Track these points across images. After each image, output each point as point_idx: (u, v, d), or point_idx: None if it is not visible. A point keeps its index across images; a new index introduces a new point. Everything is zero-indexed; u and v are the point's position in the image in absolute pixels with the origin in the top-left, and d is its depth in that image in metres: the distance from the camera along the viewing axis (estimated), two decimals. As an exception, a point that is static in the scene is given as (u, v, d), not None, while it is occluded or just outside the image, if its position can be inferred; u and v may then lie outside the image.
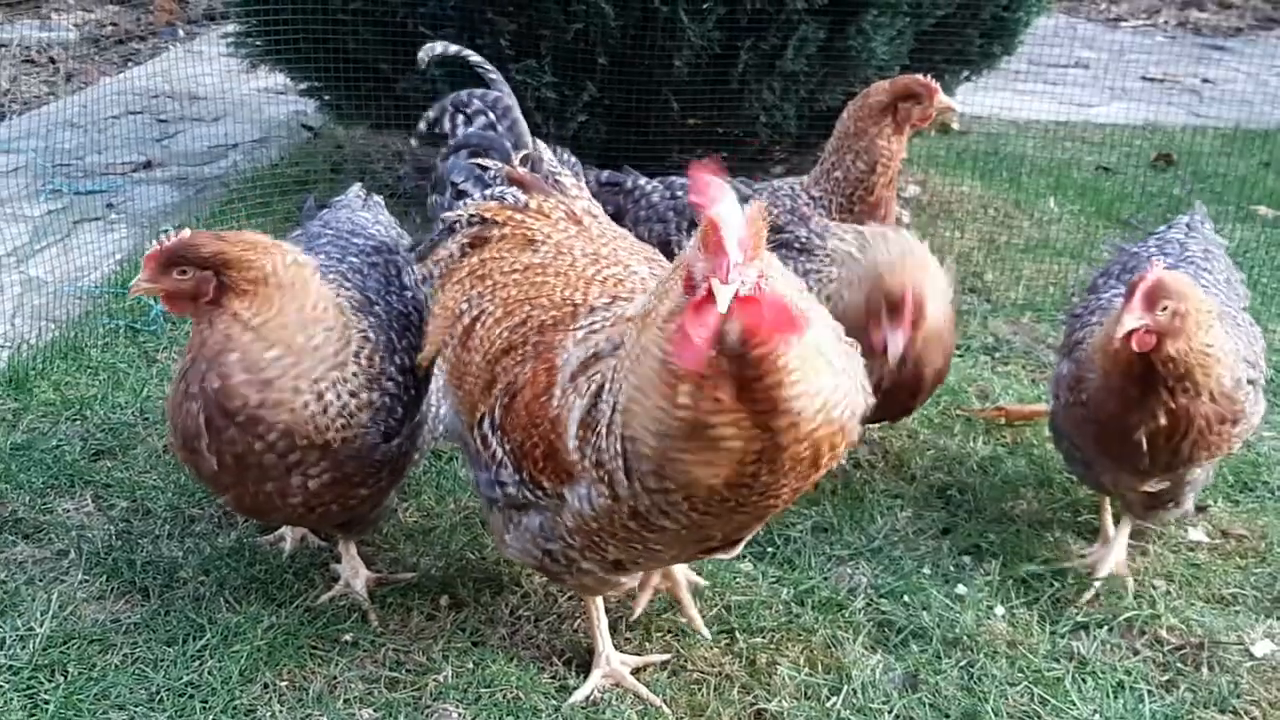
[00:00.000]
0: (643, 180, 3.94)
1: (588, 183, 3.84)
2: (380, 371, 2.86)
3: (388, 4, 4.86)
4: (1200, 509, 3.63)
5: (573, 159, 3.68)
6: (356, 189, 3.67)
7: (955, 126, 6.15)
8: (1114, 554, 3.38)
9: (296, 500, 2.83)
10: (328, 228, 3.33)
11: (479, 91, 3.15)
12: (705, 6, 4.84)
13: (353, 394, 2.78)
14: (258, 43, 5.72)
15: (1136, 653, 3.10)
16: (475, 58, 3.20)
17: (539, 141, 3.09)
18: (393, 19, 4.84)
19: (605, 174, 3.95)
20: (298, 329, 2.71)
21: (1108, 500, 3.48)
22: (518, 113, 3.10)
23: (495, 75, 3.18)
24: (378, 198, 3.65)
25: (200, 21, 9.82)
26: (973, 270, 5.67)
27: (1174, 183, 7.08)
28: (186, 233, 2.72)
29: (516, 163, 3.00)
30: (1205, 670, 3.03)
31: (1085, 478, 3.45)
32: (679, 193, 3.86)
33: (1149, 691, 2.94)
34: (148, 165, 6.63)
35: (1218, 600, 3.32)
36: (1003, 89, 8.24)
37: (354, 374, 2.80)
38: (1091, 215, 6.49)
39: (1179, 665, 3.05)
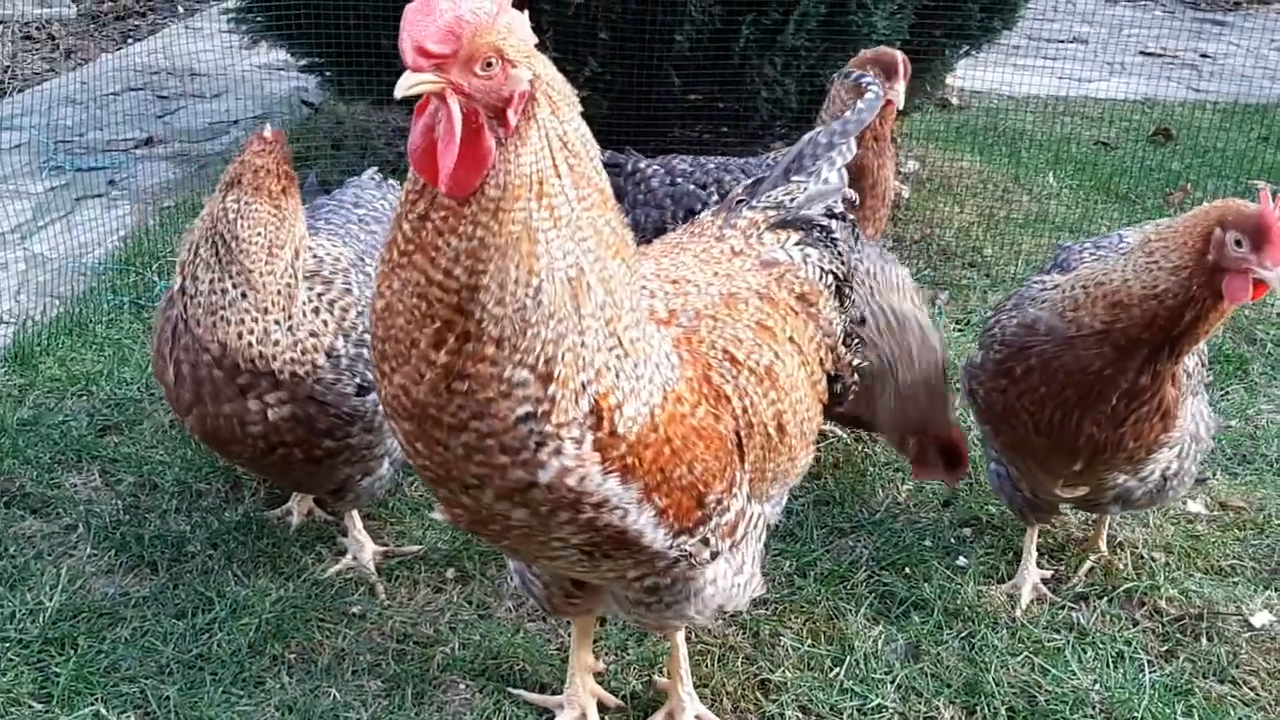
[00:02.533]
0: (643, 163, 3.90)
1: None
2: (353, 325, 2.94)
3: (388, -21, 4.85)
4: (1199, 481, 3.65)
5: None
6: (371, 171, 3.74)
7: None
8: (1028, 578, 3.25)
9: (256, 430, 2.86)
10: (332, 199, 3.47)
11: None
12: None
13: (312, 334, 2.86)
14: (258, 18, 5.70)
15: (1136, 623, 3.14)
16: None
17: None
18: (388, -3, 4.84)
19: (606, 154, 3.91)
20: (256, 255, 2.84)
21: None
22: None
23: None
24: (393, 182, 3.67)
25: (199, -2, 9.78)
26: (972, 245, 5.69)
27: (1172, 157, 7.08)
28: None
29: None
30: (1204, 640, 3.06)
31: (1002, 490, 3.28)
32: (678, 179, 3.82)
33: (1148, 661, 2.98)
34: (149, 142, 6.62)
35: (1216, 571, 3.35)
36: (1002, 64, 8.20)
37: (319, 317, 2.90)
38: (1090, 190, 6.51)
39: (1178, 636, 3.09)
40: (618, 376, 2.00)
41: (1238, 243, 2.52)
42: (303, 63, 6.05)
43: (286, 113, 7.15)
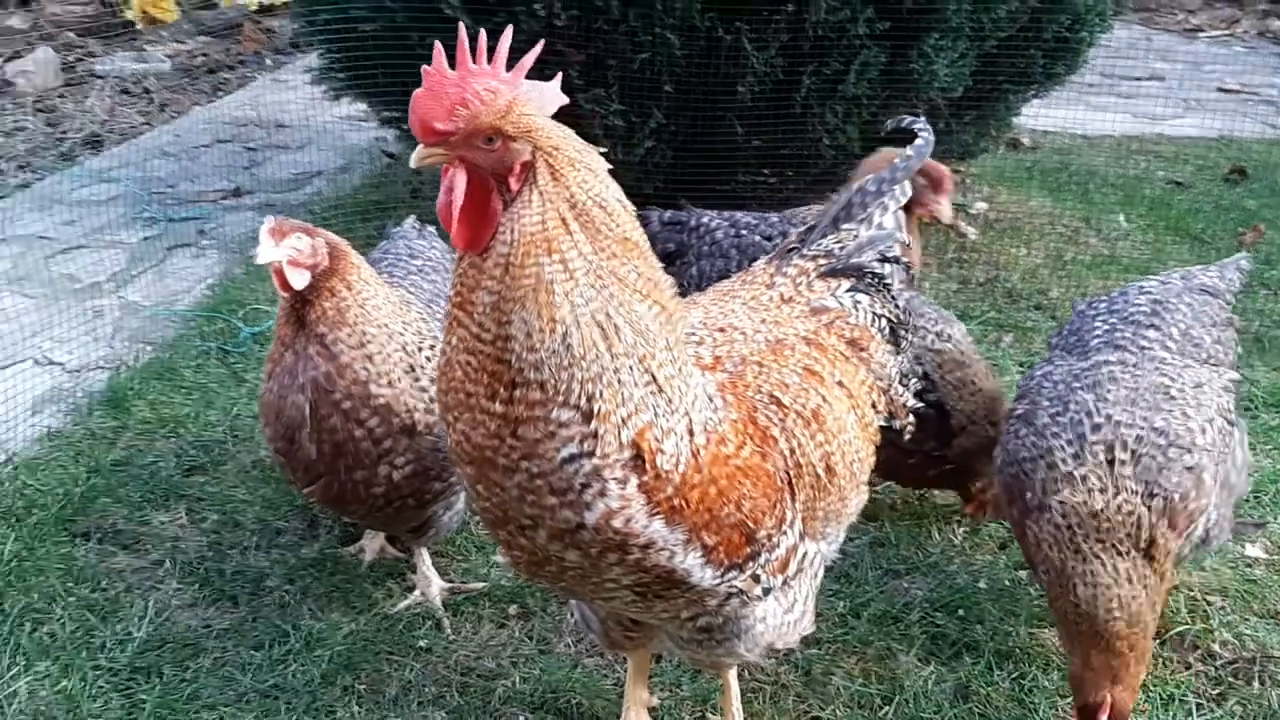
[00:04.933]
0: (706, 218, 3.96)
1: (649, 223, 3.98)
2: None
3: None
4: (1259, 525, 3.65)
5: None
6: (412, 220, 3.97)
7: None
8: None
9: (379, 491, 3.03)
10: (388, 254, 3.68)
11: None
12: (768, 34, 4.96)
13: (432, 381, 2.99)
14: (339, 75, 5.96)
15: (1189, 667, 3.15)
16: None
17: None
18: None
19: (668, 214, 4.01)
20: (387, 312, 3.03)
21: None
22: None
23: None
24: (431, 228, 3.86)
25: (286, 51, 10.17)
26: (1038, 287, 5.71)
27: (1246, 196, 7.02)
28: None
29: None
30: (1256, 684, 3.07)
31: None
32: (743, 231, 3.90)
33: (1198, 705, 2.99)
34: (237, 192, 6.92)
35: (1272, 616, 3.35)
36: (1075, 103, 8.22)
37: (429, 362, 3.04)
38: (1161, 230, 6.47)
39: (1230, 679, 3.10)
40: (655, 413, 2.11)
41: None
42: (382, 115, 6.30)
43: (367, 162, 7.42)
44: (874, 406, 2.67)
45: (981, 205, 6.90)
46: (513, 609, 3.36)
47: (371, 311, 3.01)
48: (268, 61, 10.01)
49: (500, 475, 2.13)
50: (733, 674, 2.82)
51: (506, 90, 2.07)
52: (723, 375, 2.39)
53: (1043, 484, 2.83)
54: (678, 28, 4.92)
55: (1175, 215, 6.68)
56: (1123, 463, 2.79)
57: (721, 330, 2.50)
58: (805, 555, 2.51)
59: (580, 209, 2.06)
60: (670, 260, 3.82)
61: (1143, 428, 2.82)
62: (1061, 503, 2.77)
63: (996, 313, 5.42)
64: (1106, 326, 3.21)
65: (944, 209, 4.10)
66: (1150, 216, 6.69)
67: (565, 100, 2.16)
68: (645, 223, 3.88)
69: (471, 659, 3.17)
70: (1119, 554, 2.71)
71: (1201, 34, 12.23)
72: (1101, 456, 2.79)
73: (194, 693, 3.00)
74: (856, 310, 2.69)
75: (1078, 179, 7.36)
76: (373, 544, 3.60)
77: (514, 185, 2.06)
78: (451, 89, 2.07)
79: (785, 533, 2.41)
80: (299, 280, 2.93)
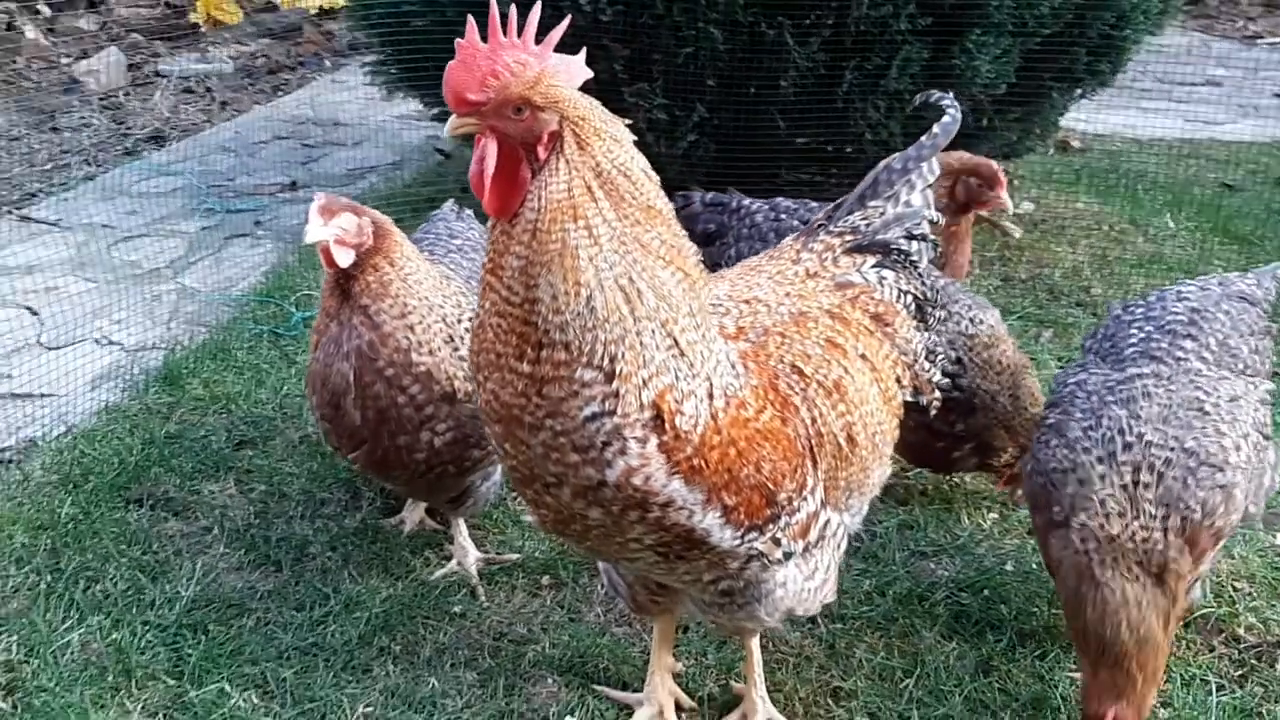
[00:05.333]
0: (747, 201, 4.06)
1: (692, 203, 4.08)
2: None
3: (511, 33, 5.17)
4: (1289, 516, 3.66)
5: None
6: (450, 204, 4.10)
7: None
8: None
9: (420, 457, 3.14)
10: (428, 234, 3.83)
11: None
12: (810, 29, 5.03)
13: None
14: (393, 71, 6.12)
15: (1212, 649, 3.17)
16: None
17: None
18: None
19: (710, 195, 4.10)
20: (428, 286, 3.16)
21: None
22: None
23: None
24: (468, 211, 3.99)
25: (345, 53, 10.40)
26: (1081, 284, 5.72)
27: (1298, 200, 6.97)
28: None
29: None
30: (1279, 667, 3.08)
31: None
32: (783, 215, 3.98)
33: (1219, 685, 3.01)
34: (293, 186, 7.11)
35: (1300, 602, 3.36)
36: (1128, 107, 8.20)
37: (467, 333, 3.12)
38: (1208, 232, 6.44)
39: (1253, 662, 3.11)
40: (676, 376, 2.19)
41: None
42: (434, 112, 6.44)
43: (419, 159, 7.58)
44: (898, 381, 2.72)
45: (1028, 205, 6.91)
46: (545, 579, 3.45)
47: (413, 285, 3.12)
48: (327, 63, 10.23)
49: (526, 433, 2.22)
50: (755, 642, 2.88)
51: (535, 63, 2.17)
52: (745, 345, 2.46)
53: (1071, 500, 2.81)
54: (721, 22, 5.01)
55: (1224, 217, 6.65)
56: (1146, 485, 2.77)
57: (746, 302, 2.57)
58: (827, 524, 2.57)
59: (605, 177, 2.15)
60: (710, 241, 3.91)
61: (1173, 449, 2.79)
62: (1082, 525, 2.77)
63: (1037, 309, 5.44)
64: (1142, 335, 3.16)
65: (1004, 199, 4.20)
66: (1198, 219, 6.66)
67: (590, 74, 2.25)
68: (688, 203, 4.02)
69: (504, 625, 3.26)
70: (1131, 578, 2.71)
71: (1261, 40, 12.09)
72: (1128, 479, 2.78)
73: (237, 649, 3.12)
74: (881, 286, 2.75)
75: (1127, 181, 7.33)
76: (413, 515, 3.71)
77: (542, 154, 2.15)
78: (483, 61, 2.17)
79: (806, 498, 2.47)
80: (345, 259, 3.05)
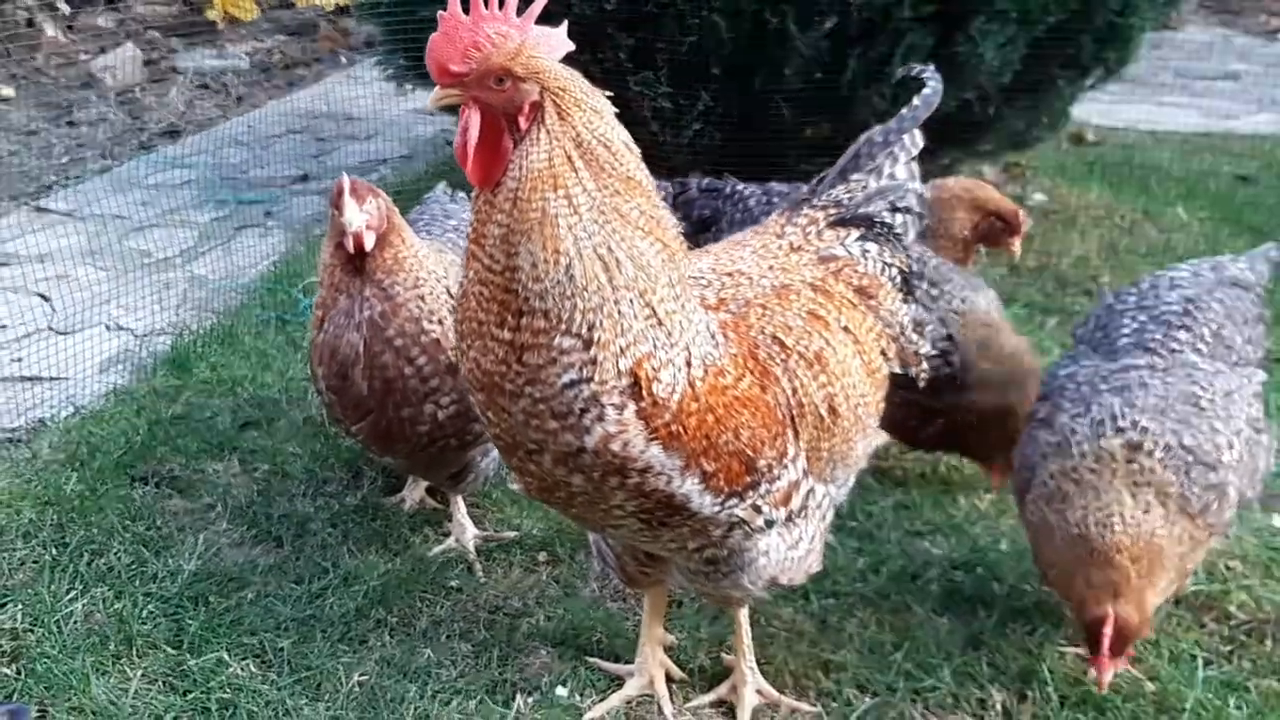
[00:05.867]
0: (741, 186, 4.10)
1: (688, 189, 4.11)
2: None
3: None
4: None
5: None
6: (443, 186, 4.18)
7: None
8: None
9: (424, 430, 3.20)
10: (424, 215, 3.91)
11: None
12: (815, 19, 5.05)
13: None
14: (401, 60, 6.17)
15: (1203, 626, 3.18)
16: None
17: None
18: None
19: (705, 181, 4.14)
20: (433, 260, 3.26)
21: None
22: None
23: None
24: (462, 194, 4.04)
25: (360, 49, 10.46)
26: (1089, 274, 5.72)
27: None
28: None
29: None
30: (1269, 643, 3.09)
31: None
32: (775, 198, 4.01)
33: (1207, 661, 3.02)
34: (304, 178, 7.17)
35: (1294, 582, 3.36)
36: (1144, 101, 8.19)
37: None
38: (1219, 223, 6.43)
39: (1243, 639, 3.12)
40: (654, 345, 2.23)
41: None
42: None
43: (431, 152, 7.63)
44: (883, 354, 2.74)
45: (1040, 197, 6.91)
46: (542, 555, 3.49)
47: (421, 259, 3.22)
48: (342, 59, 10.30)
49: (507, 400, 2.26)
50: (744, 614, 2.91)
51: (516, 34, 2.21)
52: (726, 315, 2.48)
53: (1051, 472, 2.84)
54: (724, 11, 5.03)
55: (1236, 209, 6.65)
56: (1149, 453, 2.77)
57: (729, 275, 2.60)
58: (811, 493, 2.60)
59: (585, 147, 2.19)
60: (706, 226, 3.94)
61: (1171, 441, 2.79)
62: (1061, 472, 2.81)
63: (1044, 297, 5.46)
64: (1135, 325, 3.14)
65: (1016, 248, 4.38)
66: (1211, 210, 6.66)
67: (572, 46, 2.28)
68: (684, 189, 4.05)
69: (500, 599, 3.30)
70: (1121, 489, 2.73)
71: (1282, 35, 12.03)
72: (1119, 453, 2.77)
73: (236, 619, 3.17)
74: (865, 259, 2.77)
75: (1140, 173, 7.32)
76: (413, 494, 3.75)
77: (524, 124, 2.19)
78: (465, 33, 2.21)
79: (787, 467, 2.50)
80: (371, 241, 3.15)
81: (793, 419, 2.50)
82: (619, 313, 2.20)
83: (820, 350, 2.56)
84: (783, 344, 2.50)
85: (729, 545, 2.54)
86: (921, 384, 2.88)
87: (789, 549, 2.63)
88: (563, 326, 2.18)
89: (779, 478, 2.49)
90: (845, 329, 2.64)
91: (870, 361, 2.69)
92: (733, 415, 2.35)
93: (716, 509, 2.41)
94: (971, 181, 4.61)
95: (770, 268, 2.65)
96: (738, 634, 2.93)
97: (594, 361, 2.19)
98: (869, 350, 2.69)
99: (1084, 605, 2.71)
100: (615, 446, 2.24)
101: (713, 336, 2.37)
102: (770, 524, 2.53)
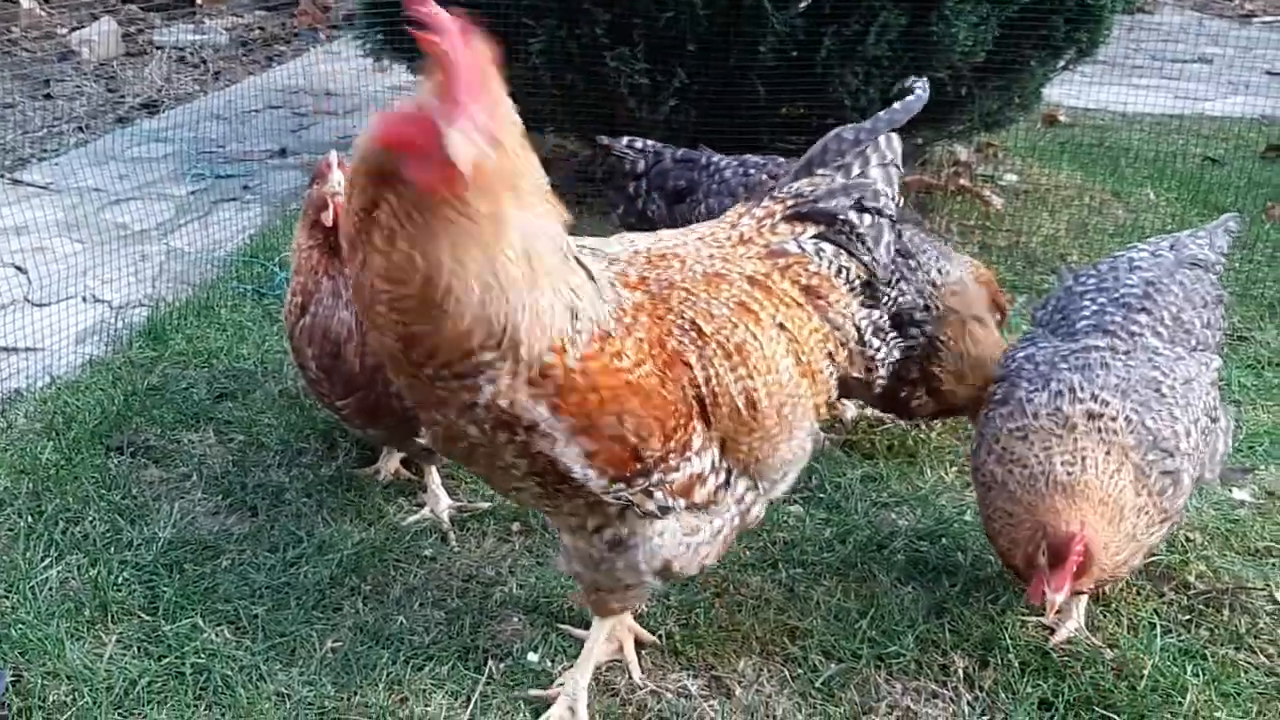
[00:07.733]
0: (716, 157, 4.13)
1: (663, 159, 4.14)
2: None
3: (492, -3, 5.21)
4: (1246, 471, 3.71)
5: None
6: None
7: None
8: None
9: (410, 404, 3.20)
10: None
11: None
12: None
13: None
14: (378, 34, 6.17)
15: (1162, 595, 3.25)
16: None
17: None
18: (496, 11, 5.19)
19: (680, 151, 4.17)
20: None
21: None
22: None
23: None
24: None
25: (340, 25, 10.44)
26: (1059, 252, 5.80)
27: (1280, 173, 7.03)
28: None
29: None
30: (1227, 612, 3.16)
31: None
32: (751, 170, 4.04)
33: (1165, 629, 3.08)
34: (282, 153, 7.17)
35: (1252, 553, 3.43)
36: (1117, 83, 8.24)
37: None
38: (1189, 203, 6.52)
39: (1202, 608, 3.18)
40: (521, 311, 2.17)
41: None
42: (421, 77, 6.49)
43: (409, 128, 7.62)
44: (830, 356, 2.70)
45: (1011, 177, 7.00)
46: (515, 526, 3.53)
47: None
48: (322, 35, 10.28)
49: (415, 369, 2.27)
50: (610, 625, 2.87)
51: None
52: (642, 295, 2.44)
53: (1003, 432, 2.88)
54: (700, -13, 5.07)
55: (1205, 189, 6.72)
56: (1112, 418, 2.78)
57: (661, 256, 2.56)
58: (726, 488, 2.58)
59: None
60: (681, 197, 3.98)
61: (1133, 416, 2.80)
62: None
63: (1014, 276, 5.52)
64: (1095, 307, 3.14)
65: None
66: (1180, 190, 6.75)
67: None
68: (659, 159, 4.08)
69: (473, 568, 3.34)
70: (1090, 445, 2.76)
71: (1256, 19, 12.13)
72: (1080, 421, 2.79)
73: (211, 587, 3.21)
74: (819, 258, 2.69)
75: (1110, 154, 7.41)
76: (388, 465, 3.79)
77: None
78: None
79: (690, 459, 2.47)
80: None
81: (704, 408, 2.47)
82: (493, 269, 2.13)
83: (742, 343, 2.51)
84: (701, 331, 2.47)
85: (629, 526, 2.52)
86: (876, 390, 2.89)
87: (686, 535, 2.60)
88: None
89: (677, 468, 2.46)
90: (781, 326, 2.59)
91: (811, 364, 2.64)
92: (619, 400, 2.31)
93: (603, 491, 2.39)
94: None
95: (710, 256, 2.60)
96: (590, 644, 2.85)
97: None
98: (810, 351, 2.64)
99: (1050, 529, 2.68)
100: (503, 402, 2.24)
101: (593, 304, 2.30)
102: (665, 510, 2.51)
